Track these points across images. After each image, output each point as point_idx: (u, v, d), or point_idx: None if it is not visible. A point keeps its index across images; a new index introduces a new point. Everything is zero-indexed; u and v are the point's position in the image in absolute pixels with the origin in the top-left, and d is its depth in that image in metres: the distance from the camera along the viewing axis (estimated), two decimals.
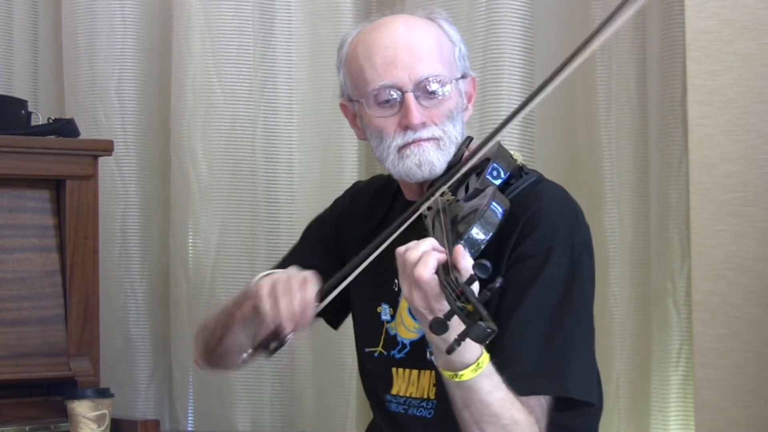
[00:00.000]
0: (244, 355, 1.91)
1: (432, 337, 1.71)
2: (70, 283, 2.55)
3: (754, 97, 2.34)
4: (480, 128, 2.60)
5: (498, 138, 1.86)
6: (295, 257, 2.19)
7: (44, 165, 2.54)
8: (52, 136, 2.63)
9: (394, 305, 2.03)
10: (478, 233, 1.75)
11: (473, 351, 1.71)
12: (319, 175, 2.97)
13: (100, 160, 2.63)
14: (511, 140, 2.58)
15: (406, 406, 2.00)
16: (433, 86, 1.95)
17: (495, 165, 1.91)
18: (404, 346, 2.01)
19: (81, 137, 2.69)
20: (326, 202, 2.94)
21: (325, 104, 2.96)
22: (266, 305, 1.85)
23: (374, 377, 2.07)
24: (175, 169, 3.02)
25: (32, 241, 2.53)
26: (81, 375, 2.51)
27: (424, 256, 1.67)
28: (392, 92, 1.95)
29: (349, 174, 2.92)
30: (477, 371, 1.72)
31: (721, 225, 2.36)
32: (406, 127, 1.95)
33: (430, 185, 1.97)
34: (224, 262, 2.99)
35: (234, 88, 2.99)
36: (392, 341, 2.03)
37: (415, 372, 1.99)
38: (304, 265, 1.99)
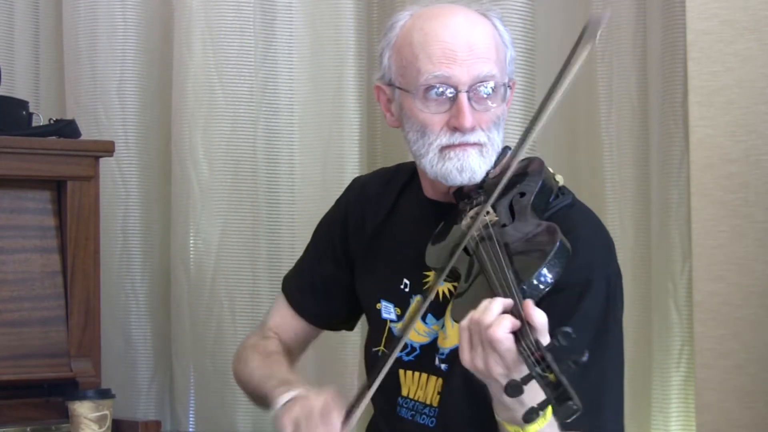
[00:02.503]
0: None
1: (501, 398, 1.61)
2: (71, 284, 2.55)
3: (755, 98, 2.34)
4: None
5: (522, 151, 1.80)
6: (309, 264, 2.17)
7: (45, 166, 2.54)
8: (53, 137, 2.63)
9: (403, 306, 2.00)
10: (548, 275, 1.64)
11: (540, 402, 1.63)
12: (320, 175, 2.97)
13: (101, 160, 2.63)
14: (511, 141, 2.58)
15: (413, 412, 1.96)
16: (487, 90, 1.88)
17: (541, 188, 1.83)
18: (413, 349, 1.97)
19: (82, 138, 2.69)
20: (327, 203, 2.93)
21: (326, 105, 2.96)
22: None
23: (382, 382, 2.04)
24: (176, 169, 3.02)
25: (33, 242, 2.53)
26: (82, 376, 2.51)
27: (498, 317, 1.57)
28: (446, 88, 1.87)
29: (350, 174, 2.91)
30: (544, 422, 1.62)
31: (722, 226, 2.36)
32: (454, 128, 1.87)
33: (458, 189, 1.91)
34: (225, 263, 2.99)
35: (235, 88, 2.99)
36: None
37: (424, 376, 1.95)
38: (319, 276, 1.97)
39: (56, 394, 2.50)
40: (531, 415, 1.49)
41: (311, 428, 1.79)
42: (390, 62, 1.95)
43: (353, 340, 2.81)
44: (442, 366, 1.92)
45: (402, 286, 2.00)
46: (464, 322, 1.62)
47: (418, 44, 1.89)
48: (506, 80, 1.93)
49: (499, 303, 1.59)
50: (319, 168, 2.98)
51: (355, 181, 2.24)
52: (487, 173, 1.90)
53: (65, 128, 2.66)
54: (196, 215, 2.99)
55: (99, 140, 2.79)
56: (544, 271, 1.63)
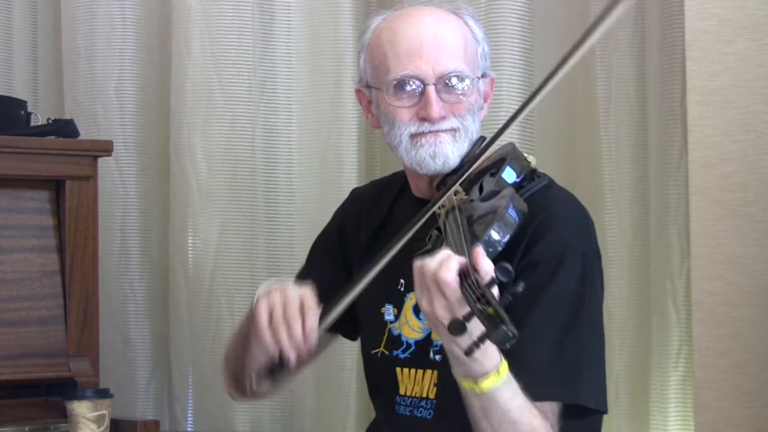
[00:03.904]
0: (251, 382, 1.86)
1: (450, 346, 1.69)
2: (69, 284, 2.55)
3: (754, 98, 2.34)
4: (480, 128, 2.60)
5: (502, 137, 1.84)
6: (305, 275, 2.17)
7: (44, 165, 2.54)
8: (52, 137, 2.63)
9: (399, 305, 2.02)
10: (496, 235, 1.74)
11: (493, 359, 1.70)
12: (319, 175, 2.97)
13: (100, 160, 2.63)
14: (508, 139, 2.58)
15: (411, 408, 1.98)
16: (454, 81, 1.93)
17: (510, 166, 1.90)
18: (409, 345, 2.00)
19: (80, 138, 2.69)
20: (325, 203, 2.95)
21: (325, 105, 2.96)
22: (266, 337, 1.81)
23: (380, 379, 2.06)
24: (175, 169, 3.02)
25: (32, 242, 2.53)
26: (80, 375, 2.51)
27: (445, 260, 1.65)
28: (414, 83, 1.93)
29: (349, 174, 2.92)
30: (497, 379, 1.71)
31: (721, 225, 2.36)
32: (423, 118, 1.93)
33: (440, 182, 1.95)
34: (224, 263, 2.99)
35: (233, 88, 2.99)
36: (396, 341, 2.01)
37: (420, 372, 1.97)
38: (318, 283, 1.96)
39: (55, 393, 2.50)
40: (472, 347, 1.56)
41: (288, 317, 1.80)
42: (365, 64, 2.02)
43: (350, 343, 2.81)
44: (437, 357, 1.94)
45: (399, 287, 2.02)
46: (415, 271, 1.68)
47: (387, 43, 1.96)
48: (478, 74, 1.98)
49: (448, 252, 1.67)
50: (318, 167, 2.98)
51: (353, 191, 2.28)
52: (462, 161, 1.95)
53: (64, 128, 2.66)
54: (195, 215, 2.99)
55: (97, 140, 2.79)
56: (494, 229, 1.74)
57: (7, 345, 2.46)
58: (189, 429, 3.04)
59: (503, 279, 1.59)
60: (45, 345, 2.50)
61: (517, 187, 1.89)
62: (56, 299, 2.53)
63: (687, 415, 2.51)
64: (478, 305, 1.56)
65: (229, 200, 2.99)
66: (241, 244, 2.99)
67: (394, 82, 1.94)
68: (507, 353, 1.72)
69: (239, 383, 2.08)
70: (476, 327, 1.57)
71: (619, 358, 2.60)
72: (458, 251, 1.69)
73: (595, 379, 1.86)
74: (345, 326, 2.11)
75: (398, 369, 2.00)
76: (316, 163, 2.98)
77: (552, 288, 1.83)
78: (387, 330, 2.03)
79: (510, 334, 1.52)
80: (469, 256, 1.64)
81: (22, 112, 2.68)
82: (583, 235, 1.91)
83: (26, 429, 2.45)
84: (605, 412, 1.88)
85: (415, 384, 1.98)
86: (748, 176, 2.34)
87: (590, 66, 2.67)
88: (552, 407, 1.82)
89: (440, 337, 1.72)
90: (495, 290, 1.60)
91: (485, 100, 2.03)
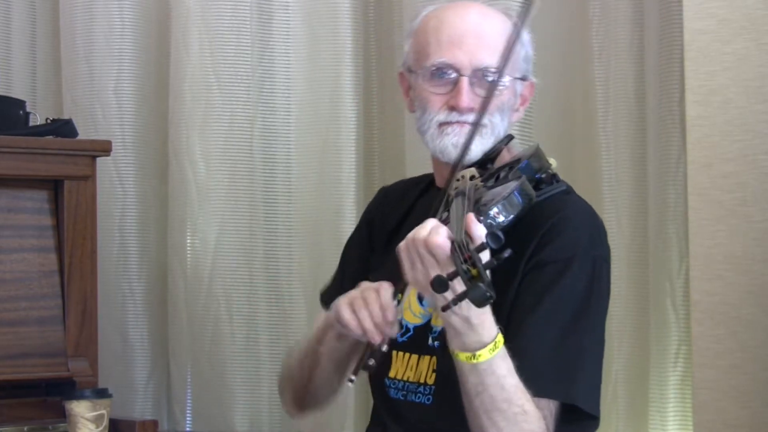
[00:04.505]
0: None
1: (445, 316, 1.72)
2: (68, 284, 2.55)
3: (753, 98, 2.34)
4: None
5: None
6: (339, 271, 2.22)
7: (42, 165, 2.54)
8: (50, 137, 2.63)
9: (402, 289, 2.02)
10: (497, 213, 1.76)
11: (490, 329, 1.73)
12: (317, 175, 2.97)
13: (98, 160, 2.63)
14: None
15: (404, 392, 1.99)
16: (489, 77, 1.95)
17: (527, 162, 1.91)
18: (407, 330, 2.01)
19: (79, 137, 2.69)
20: (324, 203, 2.95)
21: (323, 105, 2.96)
22: (351, 325, 1.85)
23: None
24: (173, 169, 3.02)
25: (30, 242, 2.53)
26: (79, 375, 2.51)
27: (434, 227, 1.70)
28: (449, 71, 1.96)
29: (347, 174, 2.92)
30: (494, 351, 1.73)
31: (719, 225, 2.36)
32: (452, 107, 1.96)
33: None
34: (222, 262, 2.99)
35: (232, 88, 2.99)
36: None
37: (414, 357, 1.99)
38: (349, 280, 2.04)
39: (53, 393, 2.50)
40: (449, 304, 1.62)
41: (364, 304, 1.85)
42: (409, 48, 2.05)
43: None
44: (435, 344, 1.95)
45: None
46: (402, 244, 1.74)
47: (432, 30, 1.99)
48: (517, 74, 2.00)
49: (434, 220, 1.74)
50: (316, 167, 2.98)
51: (380, 190, 2.30)
52: (492, 160, 1.96)
53: (62, 128, 2.66)
54: (193, 215, 2.99)
55: (96, 140, 2.79)
56: (496, 207, 1.76)
57: (6, 345, 2.46)
58: (188, 429, 3.03)
59: (493, 245, 1.61)
60: (44, 345, 2.50)
61: (534, 186, 1.90)
62: (55, 299, 2.53)
63: (686, 415, 2.51)
64: (464, 266, 1.59)
65: (227, 200, 2.99)
66: (240, 243, 2.99)
67: (432, 69, 1.97)
68: (508, 348, 1.74)
69: (302, 400, 2.16)
70: (458, 286, 1.60)
71: (618, 358, 2.60)
72: (458, 219, 1.72)
73: (590, 383, 1.87)
74: None
75: (394, 352, 2.01)
76: (315, 163, 2.98)
77: (558, 288, 1.85)
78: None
79: (487, 294, 1.55)
80: (464, 219, 1.68)
81: (21, 112, 2.68)
82: (595, 240, 1.92)
83: (25, 429, 2.45)
84: (597, 416, 1.88)
85: (408, 368, 1.99)
86: (746, 176, 2.34)
87: (589, 66, 2.67)
88: (550, 407, 1.82)
89: (440, 314, 1.75)
90: (484, 255, 1.63)
91: (522, 104, 2.05)
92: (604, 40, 2.65)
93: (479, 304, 1.58)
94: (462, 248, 1.62)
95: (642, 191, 2.62)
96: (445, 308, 1.63)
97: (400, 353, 2.01)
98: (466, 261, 1.60)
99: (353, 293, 1.89)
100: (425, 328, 1.97)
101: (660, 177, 2.55)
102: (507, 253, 1.58)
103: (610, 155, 2.65)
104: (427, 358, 1.97)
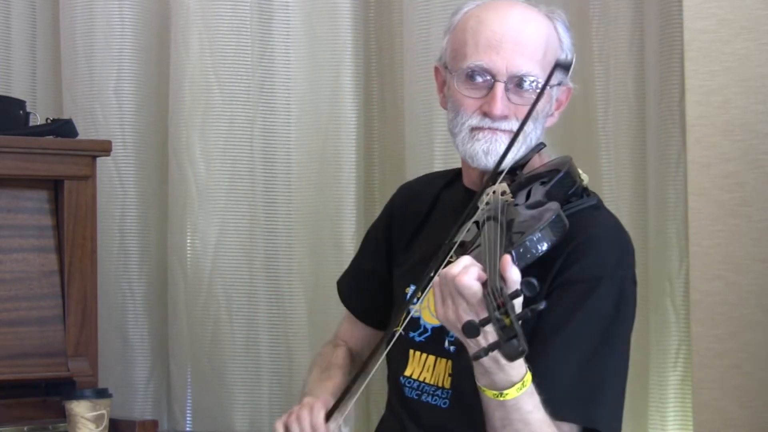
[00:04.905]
0: None
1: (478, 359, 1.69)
2: (68, 284, 2.55)
3: (752, 98, 2.34)
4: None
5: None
6: (356, 262, 2.25)
7: (42, 165, 2.54)
8: (51, 137, 2.63)
9: (423, 288, 2.02)
10: (532, 246, 1.72)
11: (519, 368, 1.70)
12: (317, 175, 2.97)
13: (99, 160, 2.63)
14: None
15: (419, 392, 1.98)
16: (525, 84, 1.93)
17: (561, 179, 1.89)
18: (425, 330, 2.00)
19: (79, 137, 2.69)
20: (324, 202, 2.95)
21: (323, 104, 2.96)
22: None
23: (393, 358, 2.05)
24: (173, 169, 3.02)
25: (30, 242, 2.53)
26: (79, 375, 2.51)
27: (467, 265, 1.67)
28: (485, 76, 1.93)
29: (347, 174, 2.92)
30: (521, 390, 1.71)
31: (719, 225, 2.36)
32: (485, 113, 1.93)
33: (489, 177, 1.93)
34: (222, 262, 2.99)
35: (232, 88, 2.99)
36: (414, 323, 2.01)
37: (431, 358, 1.98)
38: (364, 271, 2.09)
39: (53, 393, 2.50)
40: (479, 353, 1.56)
41: (301, 420, 1.92)
42: (447, 45, 2.02)
43: None
44: (451, 348, 1.94)
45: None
46: (435, 278, 1.71)
47: (471, 30, 1.96)
48: (554, 81, 1.96)
49: (468, 258, 1.69)
50: (316, 167, 2.98)
51: (401, 187, 2.29)
52: (522, 167, 1.95)
53: (62, 128, 2.66)
54: (193, 214, 2.99)
55: (96, 140, 2.79)
56: (532, 239, 1.72)
57: (6, 345, 2.46)
58: (188, 428, 3.03)
59: (527, 293, 1.56)
60: (44, 345, 2.50)
61: (564, 200, 1.88)
62: (55, 299, 2.53)
63: (686, 415, 2.51)
64: (497, 313, 1.56)
65: (227, 200, 2.99)
66: (240, 243, 2.99)
67: (467, 71, 1.94)
68: (531, 367, 1.72)
69: None
70: (490, 334, 1.58)
71: None
72: (491, 253, 1.68)
73: (612, 406, 1.86)
74: (379, 321, 2.18)
75: (411, 351, 2.00)
76: (315, 163, 2.98)
77: (584, 309, 1.83)
78: (407, 311, 2.03)
79: (520, 349, 1.52)
80: (499, 261, 1.63)
81: (21, 112, 2.68)
82: (622, 261, 1.90)
83: (25, 429, 2.45)
84: None
85: (424, 369, 1.98)
86: (746, 176, 2.34)
87: (589, 66, 2.67)
88: (572, 429, 1.81)
89: (468, 350, 1.71)
90: (518, 302, 1.60)
91: (557, 108, 2.03)
92: (604, 40, 2.65)
93: (511, 358, 1.54)
94: (495, 293, 1.59)
95: (642, 191, 2.62)
96: (476, 357, 1.59)
97: (417, 353, 2.00)
98: (499, 308, 1.56)
99: (292, 409, 1.96)
100: (442, 330, 1.94)
101: (660, 177, 2.55)
102: (543, 306, 1.53)
103: (610, 155, 2.65)
104: (443, 360, 1.96)
